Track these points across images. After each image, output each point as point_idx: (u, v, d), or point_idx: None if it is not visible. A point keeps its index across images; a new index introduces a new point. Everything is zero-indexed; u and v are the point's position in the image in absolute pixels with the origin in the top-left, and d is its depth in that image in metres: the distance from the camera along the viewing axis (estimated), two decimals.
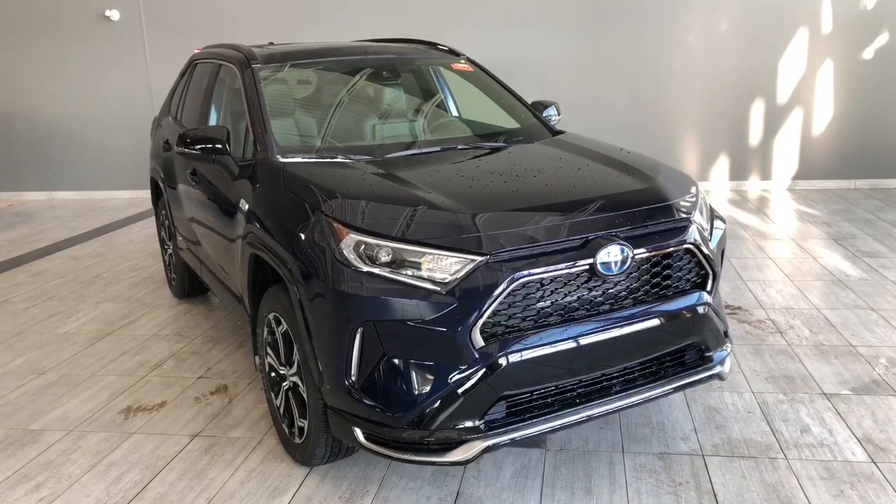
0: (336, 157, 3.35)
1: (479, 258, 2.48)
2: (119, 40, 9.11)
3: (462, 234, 2.54)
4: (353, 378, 2.58)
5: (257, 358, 3.31)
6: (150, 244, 6.92)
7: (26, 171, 9.73)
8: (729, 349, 3.11)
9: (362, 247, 2.55)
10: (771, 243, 6.20)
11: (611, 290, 2.69)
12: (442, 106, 4.42)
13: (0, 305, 5.40)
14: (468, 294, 2.46)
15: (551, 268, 2.53)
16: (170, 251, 5.23)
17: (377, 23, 8.47)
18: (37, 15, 9.14)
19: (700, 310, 2.87)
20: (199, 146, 3.46)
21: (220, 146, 3.45)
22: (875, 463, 2.95)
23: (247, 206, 3.23)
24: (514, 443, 2.60)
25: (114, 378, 4.05)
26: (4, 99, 9.45)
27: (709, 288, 2.90)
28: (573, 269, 2.57)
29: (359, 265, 2.54)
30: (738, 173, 8.55)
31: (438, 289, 2.47)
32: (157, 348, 4.45)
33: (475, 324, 2.45)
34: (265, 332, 3.16)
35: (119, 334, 4.72)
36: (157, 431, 3.44)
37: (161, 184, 5.04)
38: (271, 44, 4.73)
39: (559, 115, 4.42)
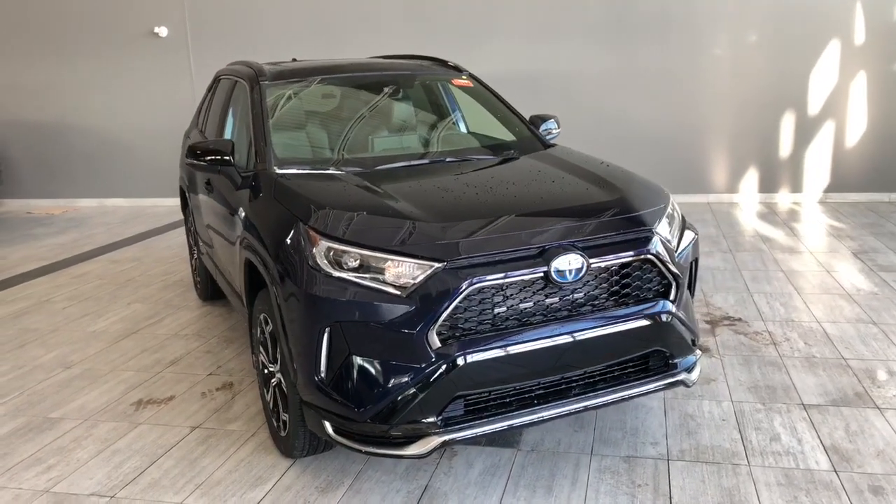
0: (328, 169, 3.58)
1: (436, 264, 2.66)
2: (166, 55, 9.59)
3: (422, 241, 2.72)
4: (323, 374, 2.78)
5: (254, 356, 3.54)
6: (185, 249, 7.27)
7: (80, 180, 10.28)
8: (697, 357, 3.20)
9: (332, 252, 2.75)
10: (788, 256, 6.18)
11: (568, 297, 2.82)
12: (440, 120, 4.60)
13: (41, 305, 5.79)
14: (426, 298, 2.64)
15: (507, 274, 2.68)
16: (195, 256, 5.55)
17: (406, 40, 8.72)
18: (91, 32, 9.69)
19: (663, 318, 2.98)
20: (205, 158, 3.72)
21: (225, 158, 3.71)
22: (836, 472, 3.00)
23: (244, 214, 3.47)
24: (476, 440, 2.77)
25: (131, 373, 4.34)
26: (60, 111, 10.03)
27: (672, 297, 3.01)
28: (528, 277, 2.72)
29: (329, 270, 2.74)
30: (767, 186, 8.50)
31: (399, 293, 2.66)
32: (175, 347, 4.74)
33: (432, 326, 2.62)
34: (258, 332, 3.38)
35: (143, 333, 5.03)
36: (162, 422, 3.70)
37: (186, 192, 5.36)
38: (294, 60, 5.01)
39: (559, 128, 4.55)
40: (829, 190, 8.37)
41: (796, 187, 8.44)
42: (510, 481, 3.05)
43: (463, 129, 4.65)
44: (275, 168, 3.55)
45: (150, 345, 4.81)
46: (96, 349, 4.77)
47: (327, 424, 2.81)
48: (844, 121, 8.16)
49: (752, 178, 8.51)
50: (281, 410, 3.20)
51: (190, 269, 6.11)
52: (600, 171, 3.47)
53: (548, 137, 4.43)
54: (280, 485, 3.10)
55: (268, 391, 3.36)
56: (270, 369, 3.27)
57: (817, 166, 8.33)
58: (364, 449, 2.75)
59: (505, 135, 4.29)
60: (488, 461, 3.19)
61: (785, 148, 8.37)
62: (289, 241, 2.92)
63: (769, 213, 7.90)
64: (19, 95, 10.09)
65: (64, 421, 3.78)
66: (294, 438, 3.09)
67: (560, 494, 2.94)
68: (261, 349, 3.38)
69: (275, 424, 3.31)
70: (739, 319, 4.75)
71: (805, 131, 8.27)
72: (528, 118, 4.50)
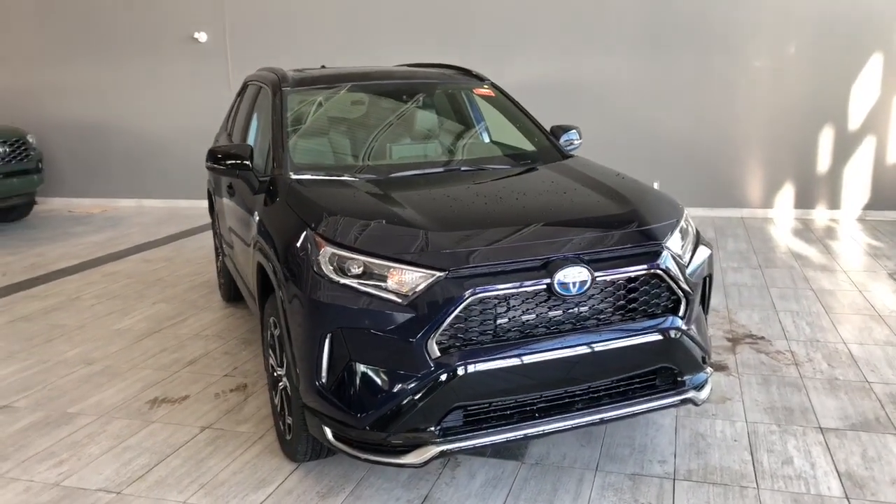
0: (343, 176, 3.60)
1: (438, 273, 2.65)
2: (205, 60, 9.78)
3: (425, 250, 2.72)
4: (324, 379, 2.79)
5: (265, 359, 3.58)
6: (213, 251, 7.38)
7: (120, 180, 10.52)
8: (708, 375, 3.14)
9: (336, 259, 2.77)
10: (819, 274, 6.03)
11: (572, 310, 2.79)
12: (460, 130, 4.60)
13: (71, 302, 5.93)
14: (426, 307, 2.63)
15: (509, 285, 2.67)
16: (220, 258, 5.63)
17: (439, 48, 8.75)
18: (132, 36, 9.93)
19: (672, 334, 2.93)
20: (225, 162, 3.78)
21: (244, 162, 3.76)
22: (848, 498, 2.91)
23: (258, 217, 3.51)
24: (478, 451, 2.75)
25: (150, 371, 4.42)
26: (101, 113, 10.29)
27: (681, 313, 2.96)
28: (531, 288, 2.69)
29: (332, 276, 2.75)
30: (803, 201, 8.32)
31: (400, 300, 2.66)
32: (195, 347, 4.81)
33: (431, 335, 2.62)
34: (268, 335, 3.41)
35: (165, 332, 5.11)
36: (175, 421, 3.75)
37: (213, 195, 5.45)
38: (323, 66, 5.07)
39: (580, 139, 4.52)
40: (868, 207, 8.16)
41: (834, 204, 8.24)
42: (511, 495, 3.02)
43: (483, 138, 4.64)
44: (290, 173, 3.59)
45: (171, 344, 4.88)
46: (119, 347, 4.86)
47: (327, 430, 2.82)
48: (886, 136, 7.95)
49: (787, 193, 8.34)
50: (286, 414, 3.22)
51: (215, 270, 6.20)
52: (613, 184, 3.43)
53: (569, 148, 4.40)
54: (282, 488, 3.11)
55: (276, 394, 3.38)
56: (278, 372, 3.30)
57: (856, 182, 8.12)
58: (362, 456, 2.76)
59: (524, 145, 4.27)
60: (491, 473, 3.17)
61: (823, 163, 8.18)
62: (297, 245, 2.94)
63: (804, 230, 7.72)
64: (63, 96, 10.38)
65: (80, 416, 3.85)
66: (297, 442, 3.11)
67: None
68: (270, 352, 3.41)
69: (281, 427, 3.34)
70: (762, 338, 4.65)
71: (844, 146, 8.08)
72: (549, 129, 4.47)
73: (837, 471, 3.11)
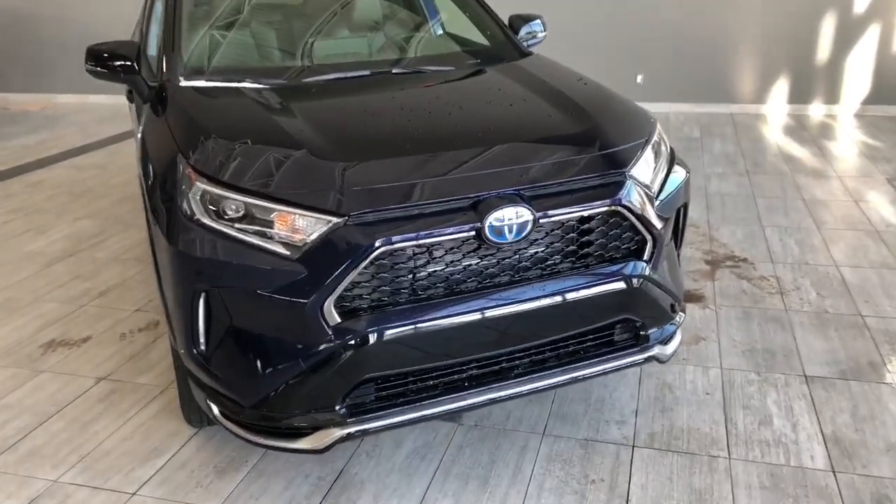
0: (244, 81, 2.94)
1: (335, 219, 2.07)
2: None
3: (319, 188, 2.13)
4: (202, 347, 2.26)
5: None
6: None
7: (61, 73, 9.63)
8: (677, 325, 2.64)
9: (208, 197, 2.18)
10: (812, 181, 5.48)
11: (509, 260, 2.24)
12: (401, 23, 3.89)
13: None
14: (321, 262, 2.07)
15: (427, 232, 2.10)
16: None
17: None
18: None
19: (634, 282, 2.39)
20: (107, 64, 3.09)
21: (128, 63, 3.07)
22: (834, 472, 2.48)
23: (139, 135, 2.89)
24: (386, 430, 2.26)
25: (54, 306, 3.89)
26: (33, 1, 9.30)
27: (646, 256, 2.41)
28: (456, 236, 2.13)
29: (204, 220, 2.17)
30: (799, 96, 7.64)
31: (288, 253, 2.09)
32: (111, 273, 4.26)
33: (328, 297, 2.07)
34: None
35: (81, 255, 4.55)
36: (67, 371, 3.26)
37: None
38: None
39: (545, 30, 3.83)
40: (868, 102, 7.50)
41: (832, 98, 7.57)
42: (441, 468, 2.57)
43: (432, 33, 3.92)
44: (180, 79, 2.93)
45: (85, 270, 4.33)
46: (26, 273, 4.31)
47: (213, 406, 2.32)
48: (893, 21, 7.19)
49: (781, 86, 7.65)
50: None
51: None
52: (572, 92, 2.80)
53: (530, 43, 3.72)
54: (175, 461, 2.65)
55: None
56: None
57: (857, 75, 7.43)
58: (252, 439, 2.27)
59: (475, 41, 3.59)
60: (420, 440, 2.71)
61: (822, 52, 7.44)
62: (166, 177, 2.34)
63: (797, 128, 7.10)
64: None
65: None
66: (190, 410, 2.63)
67: (496, 490, 2.46)
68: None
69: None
70: (745, 260, 4.14)
71: (846, 33, 7.32)
72: (507, 20, 3.77)
73: (823, 434, 2.67)
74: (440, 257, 2.16)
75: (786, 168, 5.82)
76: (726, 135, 6.92)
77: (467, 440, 2.70)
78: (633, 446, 2.64)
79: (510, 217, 2.14)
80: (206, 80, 2.94)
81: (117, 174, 6.33)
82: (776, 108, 7.70)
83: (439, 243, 2.14)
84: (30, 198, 5.75)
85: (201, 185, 2.19)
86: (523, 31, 3.71)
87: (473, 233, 2.13)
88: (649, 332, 2.52)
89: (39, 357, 3.39)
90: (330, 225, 2.07)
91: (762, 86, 7.69)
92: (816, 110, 7.62)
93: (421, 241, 2.09)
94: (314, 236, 2.08)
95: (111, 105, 9.34)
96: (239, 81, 2.93)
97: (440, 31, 3.99)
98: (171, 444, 2.74)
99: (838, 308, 3.57)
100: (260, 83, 2.93)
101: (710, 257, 4.18)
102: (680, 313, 2.66)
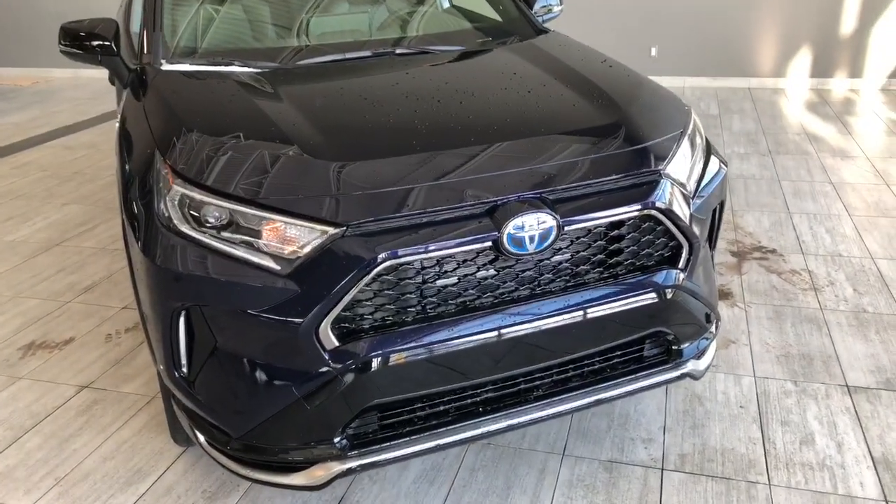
0: (232, 64, 2.66)
1: (331, 229, 1.81)
2: None
3: (313, 192, 1.86)
4: (184, 370, 2.01)
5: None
6: None
7: (53, 46, 9.27)
8: (711, 337, 2.38)
9: (187, 202, 1.91)
10: (839, 162, 5.18)
11: (529, 272, 1.98)
12: None
13: None
14: (316, 278, 1.81)
15: (438, 244, 1.83)
16: None
17: None
18: None
19: (668, 293, 2.13)
20: (83, 44, 2.82)
21: (105, 44, 2.79)
22: (887, 502, 2.24)
23: (118, 124, 2.61)
24: (392, 463, 2.02)
25: (36, 302, 3.65)
26: None
27: (682, 264, 2.15)
28: (471, 247, 1.86)
29: (182, 227, 1.91)
30: (821, 69, 7.30)
31: (278, 268, 1.83)
32: (97, 266, 4.01)
33: (324, 318, 1.81)
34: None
35: (67, 245, 4.30)
36: (47, 378, 3.02)
37: None
38: None
39: (561, 5, 3.54)
40: (894, 75, 7.16)
41: (855, 72, 7.23)
42: (452, 494, 2.33)
43: (433, 7, 3.60)
44: (162, 62, 2.65)
45: (70, 262, 4.08)
46: (7, 266, 4.07)
47: (199, 434, 2.08)
48: None
49: (802, 59, 7.30)
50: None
51: None
52: (598, 77, 2.51)
53: (546, 18, 3.43)
54: (160, 485, 2.42)
55: None
56: None
57: (882, 47, 7.07)
58: (240, 472, 2.03)
59: (486, 16, 3.29)
60: (429, 461, 2.47)
61: (845, 23, 7.08)
62: (141, 177, 2.08)
63: (820, 104, 6.77)
64: None
65: None
66: (175, 428, 2.39)
67: None
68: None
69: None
70: (773, 251, 3.87)
71: (870, 3, 6.95)
72: None
73: (872, 456, 2.42)
74: (452, 271, 1.90)
75: (810, 148, 5.52)
76: (745, 111, 6.60)
77: (480, 462, 2.46)
78: (663, 469, 2.40)
79: (531, 224, 1.87)
80: (191, 64, 2.66)
81: (109, 154, 6.05)
82: (796, 81, 7.36)
83: (451, 256, 1.87)
84: (17, 181, 5.49)
85: (179, 189, 1.92)
86: (538, 5, 3.43)
87: (490, 243, 1.86)
88: (682, 346, 2.26)
89: (18, 361, 3.15)
90: (326, 236, 1.80)
91: (782, 58, 7.34)
92: (839, 84, 7.28)
93: (430, 255, 1.83)
94: (308, 249, 1.81)
95: (105, 80, 9.01)
96: (227, 65, 2.65)
97: (447, 4, 3.68)
98: (157, 465, 2.50)
99: (878, 306, 3.31)
100: (249, 66, 2.64)
101: (737, 248, 3.91)
102: (715, 324, 2.40)
